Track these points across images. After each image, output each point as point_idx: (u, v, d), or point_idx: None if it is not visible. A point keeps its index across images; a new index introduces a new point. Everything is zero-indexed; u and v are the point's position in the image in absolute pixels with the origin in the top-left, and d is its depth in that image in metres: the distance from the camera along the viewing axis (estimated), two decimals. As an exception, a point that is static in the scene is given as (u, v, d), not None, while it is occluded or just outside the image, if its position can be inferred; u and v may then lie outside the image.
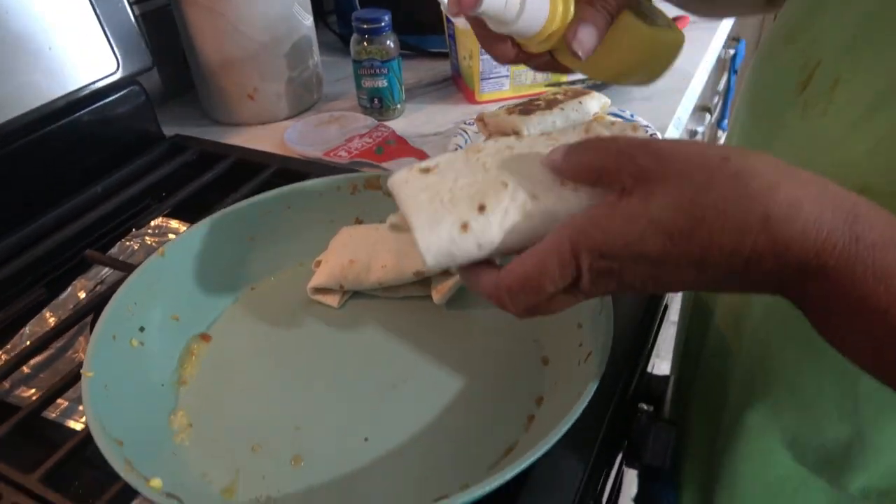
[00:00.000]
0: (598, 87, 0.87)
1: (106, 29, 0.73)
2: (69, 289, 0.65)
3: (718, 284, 0.29)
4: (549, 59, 0.46)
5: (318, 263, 0.56)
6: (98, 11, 0.73)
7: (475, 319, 0.52)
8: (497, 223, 0.33)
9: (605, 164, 0.31)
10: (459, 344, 0.50)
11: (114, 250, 0.70)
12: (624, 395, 0.50)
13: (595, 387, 0.38)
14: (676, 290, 0.34)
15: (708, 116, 1.27)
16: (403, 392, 0.47)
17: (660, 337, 0.64)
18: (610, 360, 0.42)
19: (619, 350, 0.49)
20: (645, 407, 0.57)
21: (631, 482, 0.71)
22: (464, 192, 0.34)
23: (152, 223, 0.73)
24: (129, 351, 0.47)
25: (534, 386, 0.46)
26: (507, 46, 0.44)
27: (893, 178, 0.32)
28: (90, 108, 0.75)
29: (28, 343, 0.55)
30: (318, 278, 0.54)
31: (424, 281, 0.54)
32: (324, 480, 0.41)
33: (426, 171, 0.36)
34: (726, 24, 1.18)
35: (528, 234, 0.33)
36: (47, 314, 0.63)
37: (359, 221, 0.60)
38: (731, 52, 1.46)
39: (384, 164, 0.76)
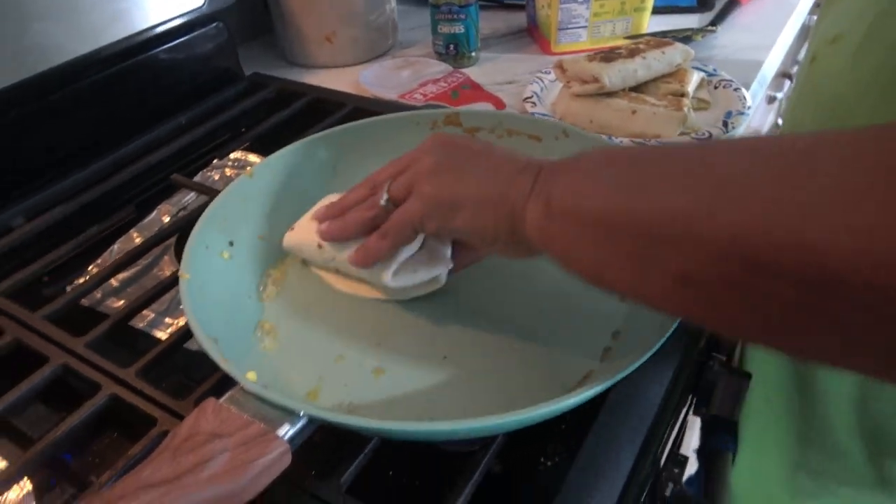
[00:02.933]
0: (682, 39, 0.85)
1: (195, -37, 0.75)
2: (154, 212, 0.68)
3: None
4: None
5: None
6: (188, -55, 0.74)
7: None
8: None
9: None
10: (539, 273, 0.50)
11: (196, 178, 0.72)
12: (697, 340, 0.49)
13: (675, 325, 0.38)
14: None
15: (787, 83, 1.22)
16: (482, 317, 0.47)
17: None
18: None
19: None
20: (717, 356, 0.57)
21: (692, 434, 0.70)
22: None
23: (232, 155, 0.75)
24: (220, 262, 0.49)
25: (611, 320, 0.46)
26: None
27: None
28: (176, 42, 0.77)
29: (117, 258, 0.58)
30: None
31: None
32: (402, 392, 0.42)
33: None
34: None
35: None
36: (134, 234, 0.66)
37: (437, 156, 0.60)
38: (815, 18, 1.40)
39: (461, 108, 0.76)
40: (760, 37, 0.91)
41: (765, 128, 1.30)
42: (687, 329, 0.49)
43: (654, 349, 0.37)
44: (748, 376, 0.56)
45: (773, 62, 0.89)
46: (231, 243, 0.51)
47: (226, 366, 0.37)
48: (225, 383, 0.38)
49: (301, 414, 0.35)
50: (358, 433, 0.38)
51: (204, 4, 0.77)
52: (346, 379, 0.43)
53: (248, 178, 0.53)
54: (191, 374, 0.49)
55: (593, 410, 0.41)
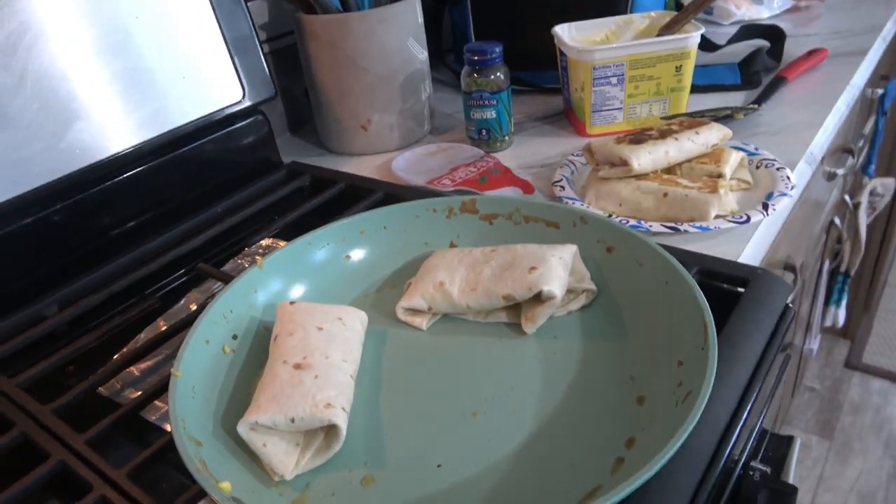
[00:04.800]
0: (723, 119, 0.82)
1: (235, 61, 0.79)
2: (182, 300, 0.69)
3: None
4: None
5: (410, 284, 0.56)
6: (230, 45, 0.78)
7: (567, 350, 0.49)
8: None
9: None
10: (547, 375, 0.47)
11: (227, 267, 0.73)
12: (725, 445, 0.44)
13: (690, 428, 0.34)
14: None
15: (850, 159, 1.16)
16: (484, 420, 0.44)
17: (793, 403, 0.57)
18: (714, 406, 0.37)
19: (725, 395, 0.44)
20: (760, 467, 0.51)
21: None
22: None
23: (263, 243, 0.76)
24: (220, 356, 0.48)
25: (626, 426, 0.42)
26: None
27: None
28: (216, 135, 0.80)
29: (136, 347, 0.58)
30: (408, 299, 0.53)
31: (515, 307, 0.52)
32: (392, 503, 0.39)
33: None
34: (871, 59, 1.08)
35: None
36: (161, 323, 0.66)
37: (453, 245, 0.59)
38: (880, 91, 1.34)
39: (487, 193, 0.75)
40: (809, 114, 0.87)
41: (828, 205, 1.24)
42: (714, 434, 0.44)
43: (664, 459, 0.33)
44: (794, 491, 0.50)
45: (822, 140, 0.84)
46: (235, 336, 0.50)
47: (198, 475, 0.35)
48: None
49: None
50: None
51: (244, 97, 0.81)
52: (333, 487, 0.41)
53: (256, 269, 0.53)
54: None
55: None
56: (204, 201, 0.80)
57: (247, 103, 0.81)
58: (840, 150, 1.15)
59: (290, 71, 0.96)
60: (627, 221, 0.65)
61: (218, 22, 0.77)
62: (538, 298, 0.50)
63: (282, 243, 0.77)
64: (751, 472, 0.50)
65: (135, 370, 0.59)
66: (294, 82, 1.00)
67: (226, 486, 0.36)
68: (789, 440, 0.60)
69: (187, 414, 0.41)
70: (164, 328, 0.65)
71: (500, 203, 0.58)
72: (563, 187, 0.72)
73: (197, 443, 0.39)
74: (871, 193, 1.46)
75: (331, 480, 0.41)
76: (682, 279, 0.47)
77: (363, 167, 0.89)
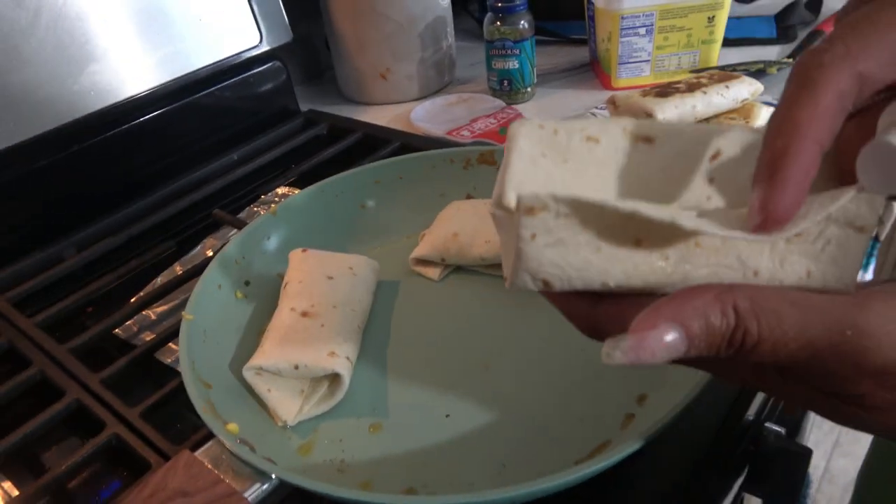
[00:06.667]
0: (755, 73, 0.79)
1: (253, 4, 0.77)
2: (199, 246, 0.69)
3: None
4: None
5: (423, 236, 0.55)
6: (247, -13, 0.76)
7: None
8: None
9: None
10: (559, 330, 0.46)
11: (242, 214, 0.73)
12: (741, 406, 0.44)
13: (702, 384, 0.33)
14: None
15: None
16: (494, 373, 0.44)
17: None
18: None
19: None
20: (775, 428, 0.51)
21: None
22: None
23: (279, 191, 0.76)
24: (233, 302, 0.49)
25: (638, 382, 0.42)
26: None
27: None
28: (235, 79, 0.79)
29: (152, 291, 0.58)
30: (421, 249, 0.53)
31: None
32: (399, 451, 0.39)
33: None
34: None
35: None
36: (177, 267, 0.67)
37: (469, 197, 0.58)
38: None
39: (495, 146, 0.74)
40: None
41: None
42: (728, 393, 0.43)
43: (673, 415, 0.32)
44: (809, 453, 0.49)
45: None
46: (247, 283, 0.50)
47: (205, 415, 0.35)
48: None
49: (273, 476, 0.33)
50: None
51: (262, 41, 0.79)
52: (341, 433, 0.41)
53: (270, 215, 0.53)
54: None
55: (611, 484, 0.36)
56: (221, 147, 0.79)
57: (264, 48, 0.79)
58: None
59: (311, 18, 0.93)
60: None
61: (234, -37, 0.75)
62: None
63: (297, 191, 0.76)
64: (765, 433, 0.50)
65: (151, 313, 0.60)
66: (315, 30, 0.98)
67: (233, 427, 0.36)
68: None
69: (197, 356, 0.41)
70: (180, 272, 0.65)
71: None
72: (584, 141, 0.70)
73: (206, 385, 0.40)
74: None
75: (339, 426, 0.41)
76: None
77: (382, 116, 0.87)
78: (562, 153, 0.26)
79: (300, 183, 0.75)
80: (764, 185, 0.22)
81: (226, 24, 0.75)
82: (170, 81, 0.71)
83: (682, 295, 0.21)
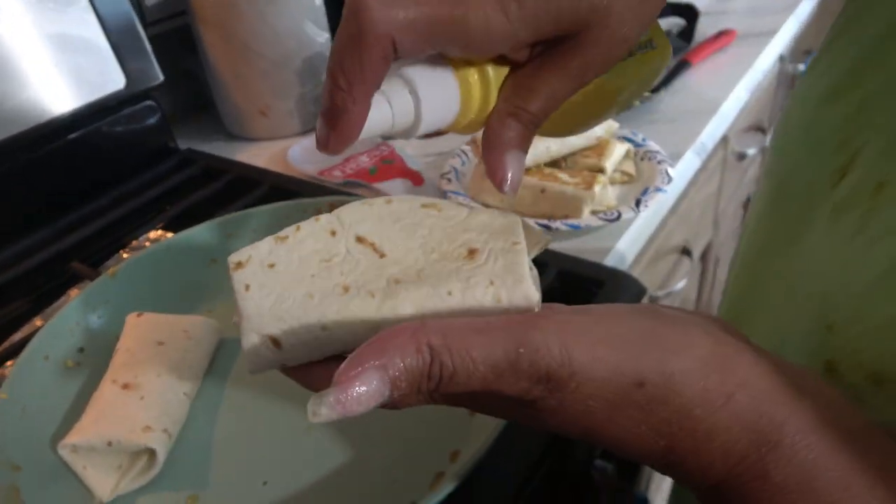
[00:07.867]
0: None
1: (115, 46, 0.76)
2: (63, 297, 0.68)
3: None
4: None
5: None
6: (107, 29, 0.75)
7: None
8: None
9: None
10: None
11: (110, 262, 0.72)
12: (563, 446, 0.46)
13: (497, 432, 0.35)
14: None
15: (762, 137, 1.17)
16: (314, 438, 0.44)
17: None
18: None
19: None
20: (604, 466, 0.53)
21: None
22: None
23: (151, 235, 0.75)
24: (62, 372, 0.48)
25: (453, 439, 0.43)
26: None
27: None
28: (102, 123, 0.78)
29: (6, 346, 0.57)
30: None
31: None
32: (215, 523, 0.40)
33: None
34: (780, 40, 1.09)
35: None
36: (37, 321, 0.65)
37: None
38: (801, 66, 1.35)
39: (376, 185, 0.75)
40: (707, 100, 0.88)
41: (745, 182, 1.25)
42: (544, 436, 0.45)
43: (465, 470, 0.34)
44: (644, 502, 0.52)
45: (716, 128, 0.85)
46: (81, 349, 0.50)
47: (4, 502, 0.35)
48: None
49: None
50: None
51: (128, 85, 0.78)
52: (156, 506, 0.41)
53: (108, 278, 0.53)
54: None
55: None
56: (91, 193, 0.78)
57: (131, 90, 0.78)
58: (753, 128, 1.16)
59: (196, 52, 0.92)
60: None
61: (93, 6, 0.74)
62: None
63: (169, 234, 0.76)
64: (593, 471, 0.52)
65: (4, 371, 0.58)
66: (200, 65, 0.97)
67: (30, 515, 0.36)
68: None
69: (10, 437, 0.41)
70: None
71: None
72: (449, 180, 0.72)
73: (15, 468, 0.39)
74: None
75: (156, 500, 0.42)
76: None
77: (262, 154, 0.87)
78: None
79: (172, 227, 0.75)
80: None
81: (87, 69, 0.74)
82: (26, 131, 0.69)
83: (380, 339, 0.23)
